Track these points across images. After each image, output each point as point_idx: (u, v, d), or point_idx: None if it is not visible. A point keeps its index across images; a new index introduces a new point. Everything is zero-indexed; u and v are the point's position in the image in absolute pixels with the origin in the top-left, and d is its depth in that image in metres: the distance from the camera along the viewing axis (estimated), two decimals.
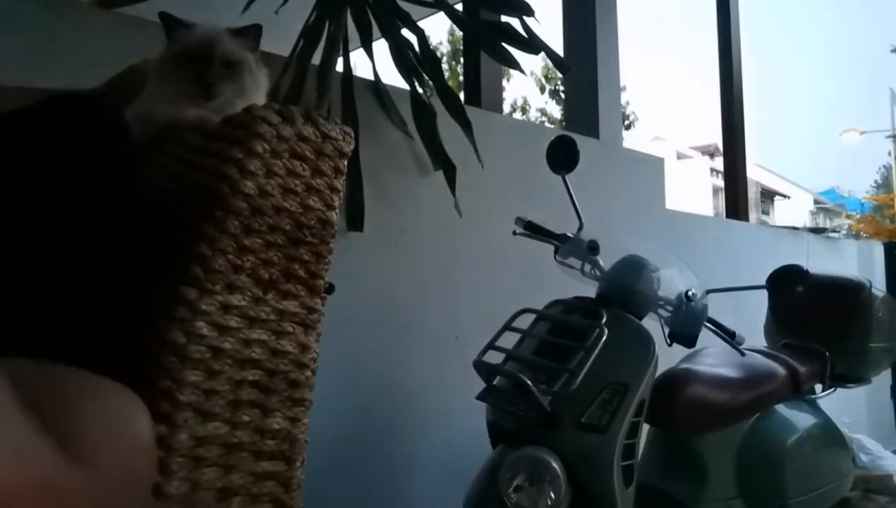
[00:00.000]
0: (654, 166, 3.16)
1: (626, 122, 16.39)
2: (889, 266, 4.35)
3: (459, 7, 2.27)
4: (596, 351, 1.25)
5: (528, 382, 1.22)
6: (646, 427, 1.47)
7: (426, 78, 1.98)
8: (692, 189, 23.36)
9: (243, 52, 1.10)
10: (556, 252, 1.60)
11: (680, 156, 27.10)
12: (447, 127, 2.01)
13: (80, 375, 0.67)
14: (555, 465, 1.22)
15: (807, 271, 1.92)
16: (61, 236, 0.76)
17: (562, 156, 1.58)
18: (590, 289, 1.51)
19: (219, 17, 1.16)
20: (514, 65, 1.99)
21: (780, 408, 1.77)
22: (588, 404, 1.28)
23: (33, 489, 0.47)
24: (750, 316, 2.13)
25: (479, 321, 1.64)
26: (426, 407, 2.11)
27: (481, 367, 1.32)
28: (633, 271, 1.47)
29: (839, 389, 1.97)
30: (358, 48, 1.91)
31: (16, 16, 1.48)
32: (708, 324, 1.47)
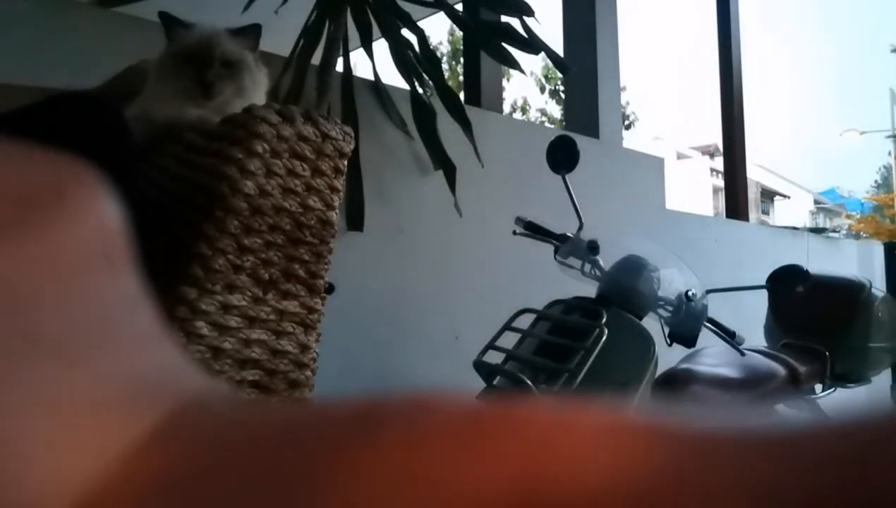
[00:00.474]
0: (654, 166, 3.16)
1: (627, 122, 16.40)
2: (889, 266, 4.35)
3: (459, 7, 2.27)
4: (596, 351, 1.25)
5: (529, 382, 1.22)
6: None
7: (426, 78, 1.98)
8: (692, 189, 23.37)
9: (243, 52, 1.10)
10: (556, 252, 1.60)
11: (680, 156, 27.11)
12: (447, 127, 2.01)
13: None
14: None
15: (807, 271, 1.92)
16: None
17: (562, 156, 1.58)
18: (590, 289, 1.51)
19: (218, 17, 1.16)
20: (514, 65, 1.99)
21: (780, 408, 1.77)
22: None
23: None
24: (750, 316, 2.13)
25: (479, 321, 1.65)
26: None
27: (481, 367, 1.32)
28: (633, 271, 1.47)
29: (839, 389, 1.97)
30: (358, 48, 1.92)
31: (15, 16, 1.48)
32: (708, 324, 1.47)
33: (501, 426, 0.11)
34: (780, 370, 1.79)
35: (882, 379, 3.14)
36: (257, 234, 0.89)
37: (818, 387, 1.95)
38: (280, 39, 1.69)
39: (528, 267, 2.26)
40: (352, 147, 0.98)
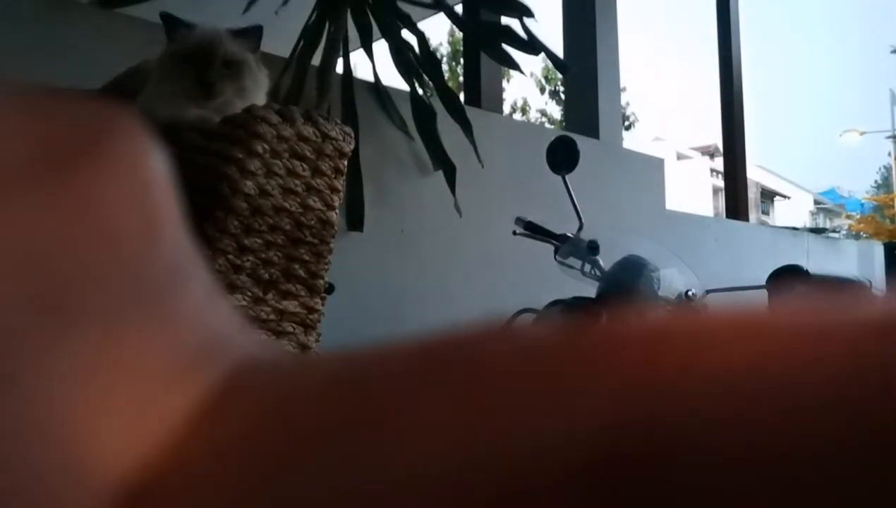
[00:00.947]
0: (654, 166, 3.16)
1: (627, 123, 16.40)
2: (889, 266, 4.35)
3: (459, 8, 2.28)
4: None
5: None
6: None
7: (426, 78, 1.98)
8: (692, 189, 23.37)
9: (244, 53, 1.10)
10: (556, 252, 1.61)
11: (680, 157, 27.10)
12: (447, 127, 2.01)
13: None
14: None
15: (807, 271, 1.93)
16: None
17: (562, 157, 1.58)
18: (590, 289, 1.51)
19: (219, 17, 1.16)
20: (514, 65, 1.99)
21: None
22: None
23: None
24: None
25: None
26: None
27: None
28: (633, 271, 1.47)
29: None
30: (358, 49, 1.92)
31: (16, 16, 1.49)
32: None
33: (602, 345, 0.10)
34: None
35: None
36: (257, 234, 0.89)
37: None
38: (280, 40, 1.69)
39: (528, 268, 2.26)
40: (352, 147, 0.98)
